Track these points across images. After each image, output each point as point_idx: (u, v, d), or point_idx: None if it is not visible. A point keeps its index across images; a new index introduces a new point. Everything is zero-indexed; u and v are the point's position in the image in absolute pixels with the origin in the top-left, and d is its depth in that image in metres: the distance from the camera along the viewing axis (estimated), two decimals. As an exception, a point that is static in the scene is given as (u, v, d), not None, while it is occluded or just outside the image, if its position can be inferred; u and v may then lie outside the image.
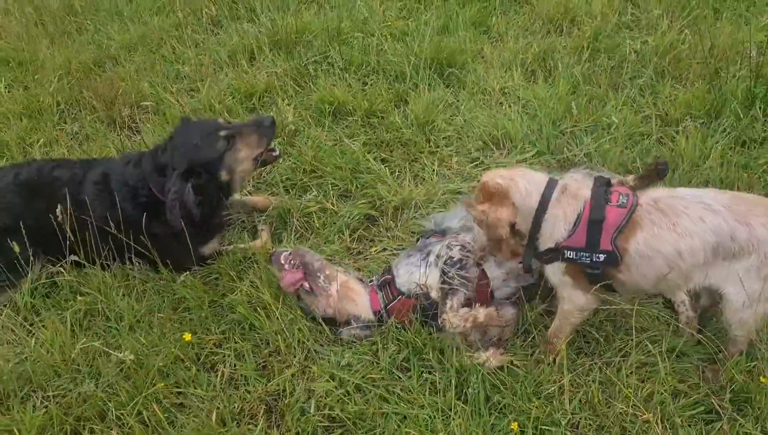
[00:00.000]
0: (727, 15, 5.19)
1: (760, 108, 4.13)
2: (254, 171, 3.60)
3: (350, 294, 3.15)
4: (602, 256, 2.63)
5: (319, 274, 3.13)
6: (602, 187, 2.69)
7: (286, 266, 3.16)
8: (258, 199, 3.86)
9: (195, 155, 3.26)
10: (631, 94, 4.46)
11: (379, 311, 3.10)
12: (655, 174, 3.08)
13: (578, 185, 2.71)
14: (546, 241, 2.73)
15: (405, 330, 3.04)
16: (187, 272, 3.41)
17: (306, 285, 3.13)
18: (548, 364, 2.89)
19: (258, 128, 3.41)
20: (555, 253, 2.71)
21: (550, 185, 2.72)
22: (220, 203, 3.47)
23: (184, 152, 3.26)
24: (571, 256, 2.67)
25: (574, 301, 2.80)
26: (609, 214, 2.61)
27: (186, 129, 3.38)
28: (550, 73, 4.76)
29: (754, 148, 3.99)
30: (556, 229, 2.68)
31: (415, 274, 3.07)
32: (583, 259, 2.66)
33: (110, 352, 2.97)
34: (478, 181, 2.96)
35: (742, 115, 4.13)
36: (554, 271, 2.80)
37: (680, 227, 2.57)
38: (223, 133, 3.33)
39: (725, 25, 5.02)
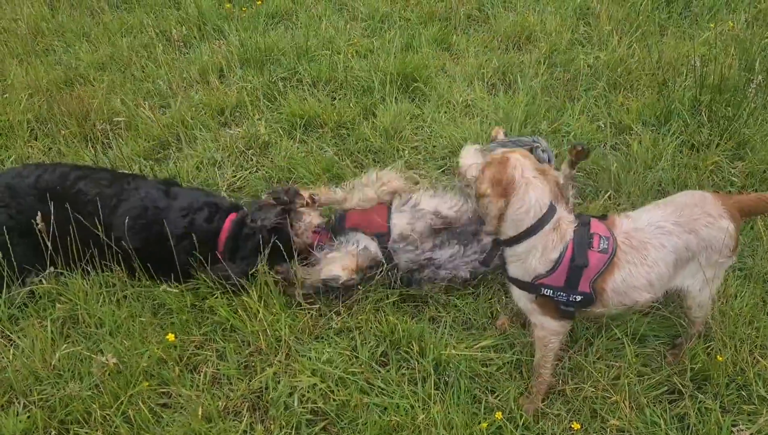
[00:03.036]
0: (672, 31, 5.52)
1: (705, 114, 4.40)
2: None
3: None
4: (579, 297, 2.69)
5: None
6: (585, 228, 2.71)
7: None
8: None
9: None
10: (587, 104, 4.70)
11: None
12: (579, 157, 3.34)
13: (568, 223, 2.70)
14: (521, 267, 2.73)
15: (381, 324, 3.17)
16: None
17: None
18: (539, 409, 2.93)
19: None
20: (530, 286, 2.73)
21: (549, 213, 2.66)
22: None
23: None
24: (547, 293, 2.70)
25: (546, 326, 2.82)
26: (591, 259, 2.65)
27: None
28: (509, 86, 4.98)
29: (702, 150, 4.24)
30: (536, 262, 2.68)
31: None
32: (560, 297, 2.70)
33: (92, 355, 2.99)
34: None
35: (689, 121, 4.41)
36: (522, 296, 2.83)
37: (650, 259, 2.69)
38: None
39: (670, 40, 5.35)
